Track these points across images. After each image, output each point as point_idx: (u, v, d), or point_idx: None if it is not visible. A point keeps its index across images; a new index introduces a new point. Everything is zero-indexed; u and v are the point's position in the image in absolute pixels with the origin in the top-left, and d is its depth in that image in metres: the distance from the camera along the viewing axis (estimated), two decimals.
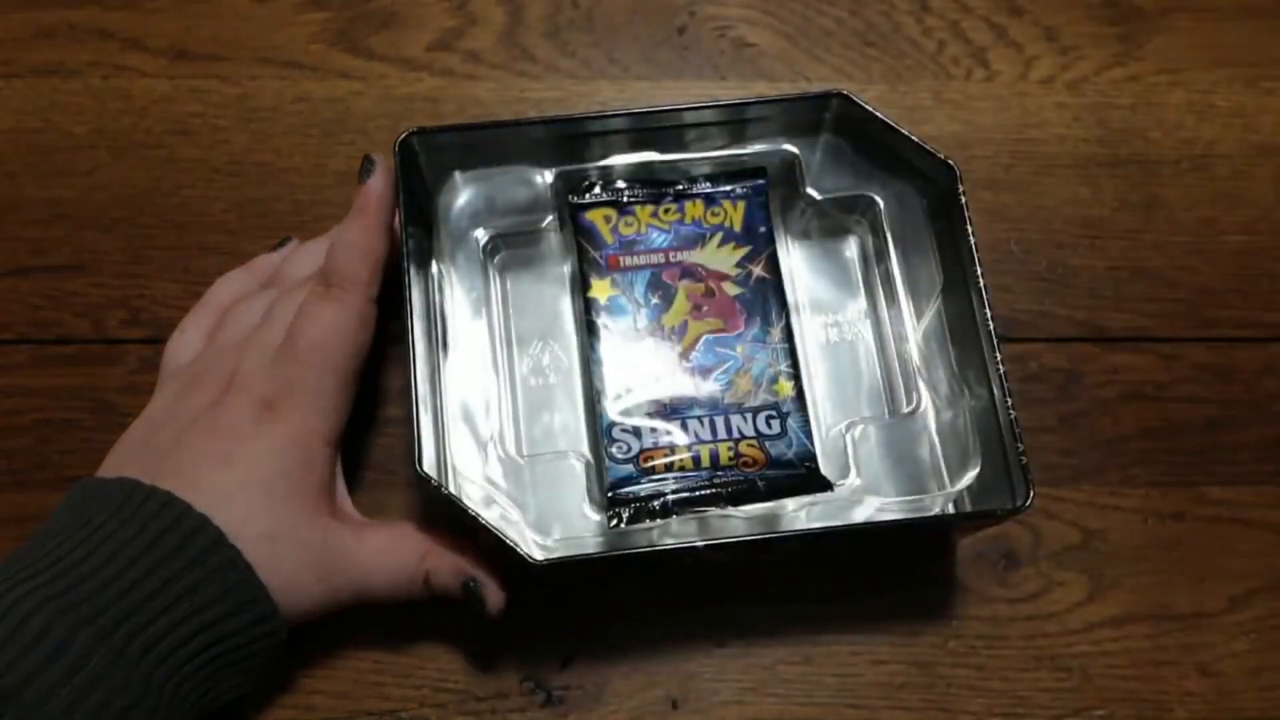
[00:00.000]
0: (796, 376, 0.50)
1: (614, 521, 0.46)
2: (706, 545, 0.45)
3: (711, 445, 0.48)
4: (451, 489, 0.46)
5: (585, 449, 0.51)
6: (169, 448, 0.45)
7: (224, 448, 0.45)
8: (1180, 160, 0.61)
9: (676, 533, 0.48)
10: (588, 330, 0.51)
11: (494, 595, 0.47)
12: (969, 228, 0.50)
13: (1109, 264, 0.59)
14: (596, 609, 0.51)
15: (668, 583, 0.52)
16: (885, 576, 0.52)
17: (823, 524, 0.48)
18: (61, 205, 0.58)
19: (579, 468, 0.49)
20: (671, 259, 0.52)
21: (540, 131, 0.52)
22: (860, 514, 0.49)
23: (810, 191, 0.54)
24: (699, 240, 0.52)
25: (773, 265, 0.52)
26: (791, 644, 0.51)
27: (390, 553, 0.47)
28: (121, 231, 0.58)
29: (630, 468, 0.48)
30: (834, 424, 0.52)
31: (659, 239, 0.52)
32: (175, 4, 0.63)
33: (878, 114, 0.51)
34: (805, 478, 0.48)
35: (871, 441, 0.50)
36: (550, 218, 0.53)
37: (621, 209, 0.53)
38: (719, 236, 0.52)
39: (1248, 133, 0.62)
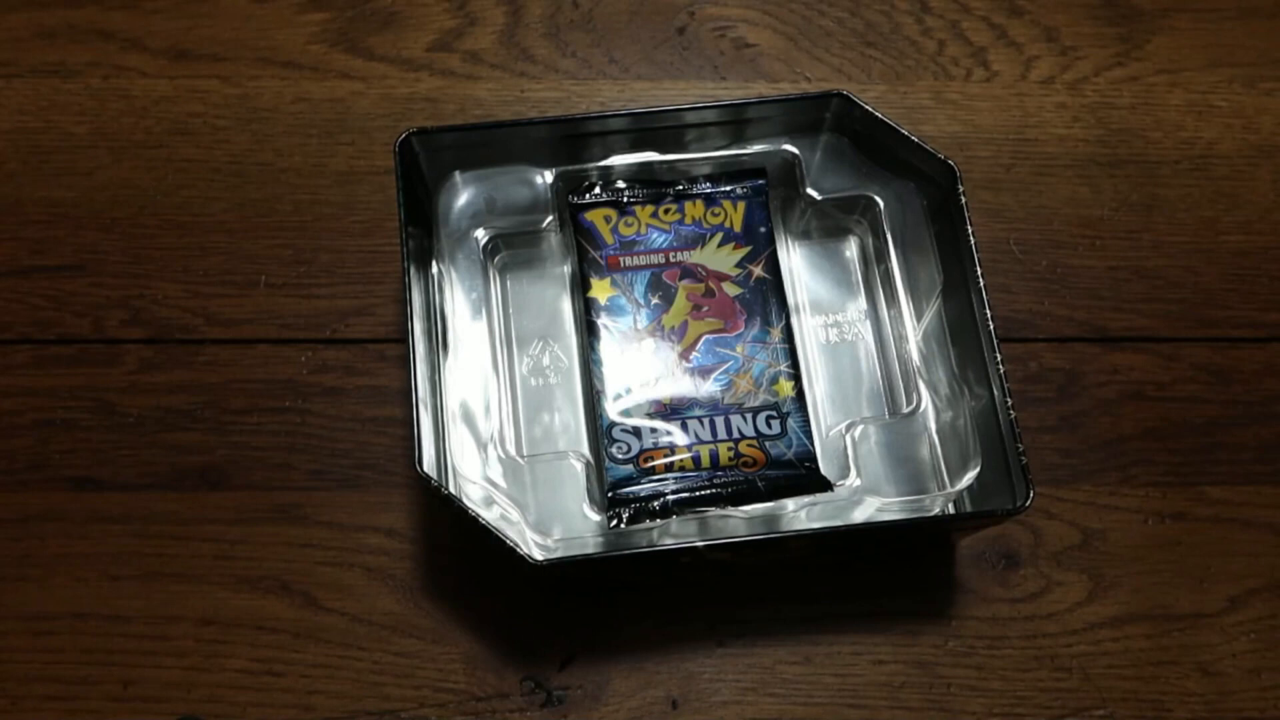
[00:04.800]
0: (796, 376, 0.50)
1: (614, 521, 0.46)
2: (706, 545, 0.45)
3: (711, 445, 0.48)
4: (451, 489, 0.46)
5: (585, 449, 0.51)
6: None
7: None
8: (1180, 160, 0.61)
9: (676, 533, 0.48)
10: (588, 330, 0.51)
11: None
12: (969, 228, 0.50)
13: (1109, 264, 0.59)
14: (596, 609, 0.51)
15: (668, 583, 0.52)
16: (885, 576, 0.52)
17: (823, 524, 0.48)
18: (61, 205, 0.58)
19: (579, 468, 0.48)
20: (671, 259, 0.52)
21: (540, 131, 0.52)
22: (860, 514, 0.49)
23: (810, 191, 0.54)
24: (699, 240, 0.52)
25: (773, 265, 0.52)
26: (791, 644, 0.51)
27: None
28: (121, 231, 0.58)
29: (630, 468, 0.48)
30: (834, 424, 0.51)
31: (659, 239, 0.52)
32: (175, 4, 0.63)
33: (878, 114, 0.51)
34: (805, 478, 0.48)
35: (871, 441, 0.49)
36: (550, 218, 0.53)
37: (621, 209, 0.53)
38: (719, 236, 0.52)
39: (1247, 133, 0.62)
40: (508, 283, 0.55)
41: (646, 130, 0.53)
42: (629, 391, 0.49)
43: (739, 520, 0.48)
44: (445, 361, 0.50)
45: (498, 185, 0.53)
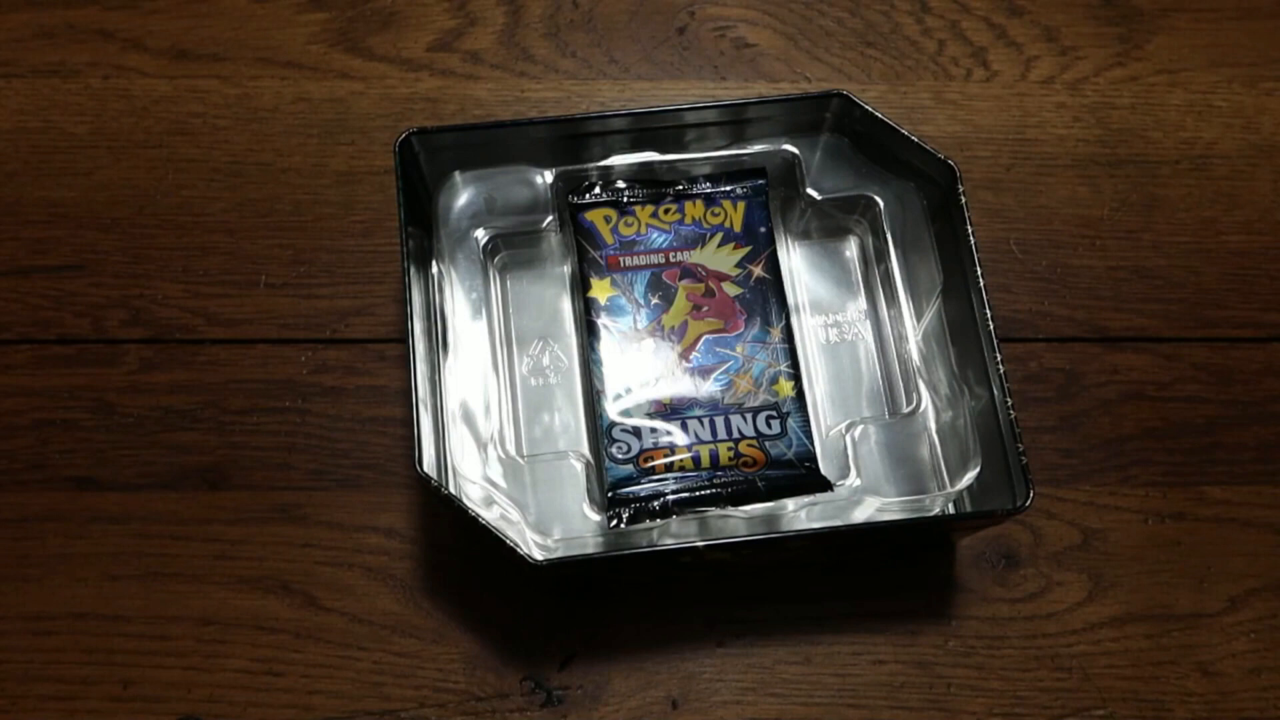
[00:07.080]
0: (796, 376, 0.50)
1: (614, 521, 0.46)
2: (706, 545, 0.45)
3: (711, 445, 0.48)
4: (451, 489, 0.46)
5: (585, 449, 0.51)
6: None
7: None
8: (1180, 160, 0.61)
9: (676, 533, 0.48)
10: (588, 330, 0.51)
11: None
12: (969, 228, 0.50)
13: (1109, 264, 0.59)
14: (596, 609, 0.51)
15: (668, 583, 0.52)
16: (885, 577, 0.52)
17: (823, 524, 0.48)
18: (61, 205, 0.58)
19: (579, 468, 0.49)
20: (671, 259, 0.52)
21: (540, 131, 0.52)
22: (860, 514, 0.49)
23: (810, 191, 0.54)
24: (699, 240, 0.52)
25: (773, 265, 0.52)
26: (791, 644, 0.51)
27: None
28: (121, 231, 0.58)
29: (630, 468, 0.48)
30: (834, 424, 0.51)
31: (659, 239, 0.52)
32: (175, 4, 0.63)
33: (878, 114, 0.51)
34: (805, 478, 0.48)
35: (871, 441, 0.50)
36: (550, 218, 0.53)
37: (621, 209, 0.53)
38: (719, 236, 0.52)
39: (1248, 133, 0.62)
40: (508, 283, 0.55)
41: (646, 130, 0.53)
42: (629, 391, 0.49)
43: (739, 520, 0.48)
44: (445, 361, 0.50)
45: (498, 185, 0.53)
